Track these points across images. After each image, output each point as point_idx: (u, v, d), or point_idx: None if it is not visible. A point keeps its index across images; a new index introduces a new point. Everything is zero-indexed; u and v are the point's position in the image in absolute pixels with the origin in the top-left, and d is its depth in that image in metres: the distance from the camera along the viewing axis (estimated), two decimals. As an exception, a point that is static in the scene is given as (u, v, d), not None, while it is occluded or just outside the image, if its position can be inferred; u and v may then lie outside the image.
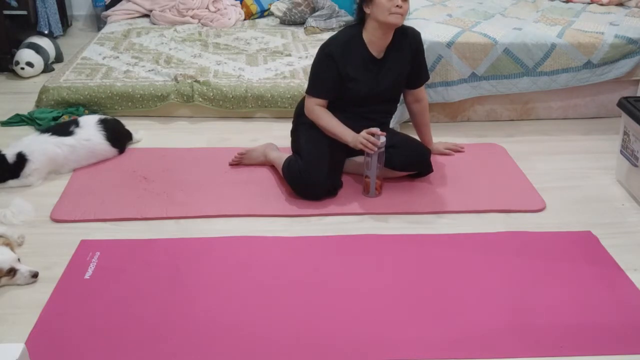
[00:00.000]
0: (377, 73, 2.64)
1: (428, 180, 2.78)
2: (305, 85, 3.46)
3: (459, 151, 3.08)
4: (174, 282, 2.14)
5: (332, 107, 2.65)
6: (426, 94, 2.90)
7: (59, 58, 4.28)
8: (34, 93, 3.54)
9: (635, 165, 2.66)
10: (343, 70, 2.58)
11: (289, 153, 2.77)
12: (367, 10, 2.54)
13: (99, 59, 3.88)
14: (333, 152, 2.65)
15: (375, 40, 2.59)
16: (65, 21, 5.02)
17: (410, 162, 2.72)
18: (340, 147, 2.63)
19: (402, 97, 2.86)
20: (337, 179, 2.71)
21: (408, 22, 3.55)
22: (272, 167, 2.86)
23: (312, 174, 2.58)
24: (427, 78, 2.85)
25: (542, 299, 2.07)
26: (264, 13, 4.95)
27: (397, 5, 2.46)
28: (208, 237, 2.39)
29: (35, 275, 2.11)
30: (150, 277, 2.15)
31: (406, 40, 2.67)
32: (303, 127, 2.72)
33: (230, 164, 2.88)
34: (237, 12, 4.84)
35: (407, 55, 2.69)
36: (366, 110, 2.69)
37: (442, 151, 3.03)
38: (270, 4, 4.90)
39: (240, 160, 2.87)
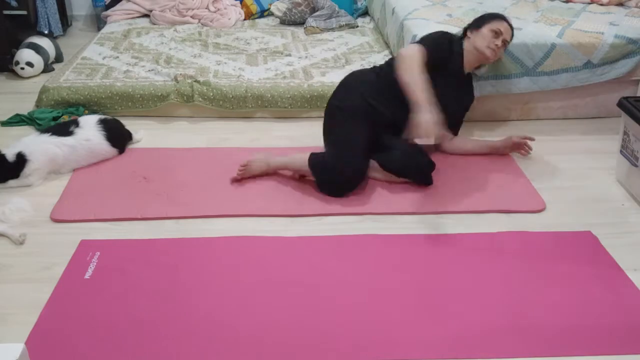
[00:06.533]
0: (457, 89, 2.88)
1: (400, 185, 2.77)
2: (306, 85, 3.48)
3: (527, 144, 3.00)
4: (174, 282, 2.14)
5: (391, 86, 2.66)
6: None
7: (59, 58, 4.27)
8: (34, 93, 3.54)
9: (635, 165, 2.66)
10: (440, 61, 2.73)
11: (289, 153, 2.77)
12: (469, 34, 2.86)
13: (99, 59, 3.88)
14: (367, 144, 2.69)
15: (465, 62, 2.86)
16: (65, 21, 5.01)
17: (409, 170, 2.72)
18: (371, 139, 2.69)
19: None
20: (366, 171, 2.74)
21: (408, 22, 3.57)
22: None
23: (353, 163, 2.62)
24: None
25: (542, 299, 2.07)
26: (264, 13, 4.94)
27: (496, 44, 2.79)
28: (208, 237, 2.39)
29: None
30: (150, 277, 2.15)
31: (470, 80, 3.01)
32: (338, 119, 2.76)
33: (236, 180, 2.77)
34: (237, 12, 4.84)
35: (468, 99, 3.01)
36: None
37: (515, 143, 2.98)
38: (270, 4, 4.89)
39: (244, 174, 2.76)
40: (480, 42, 2.80)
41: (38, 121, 3.25)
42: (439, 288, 2.13)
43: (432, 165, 2.73)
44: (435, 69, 2.66)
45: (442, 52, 2.76)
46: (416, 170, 2.71)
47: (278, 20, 4.81)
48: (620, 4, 3.92)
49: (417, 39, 2.97)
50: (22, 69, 3.96)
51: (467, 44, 2.86)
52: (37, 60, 4.00)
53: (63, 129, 2.86)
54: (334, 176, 2.61)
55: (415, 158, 2.68)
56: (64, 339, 1.88)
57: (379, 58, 3.92)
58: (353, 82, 2.86)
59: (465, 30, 2.90)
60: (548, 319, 1.98)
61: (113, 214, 2.52)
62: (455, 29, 3.34)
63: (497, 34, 2.80)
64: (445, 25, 3.43)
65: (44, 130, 2.88)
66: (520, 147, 2.99)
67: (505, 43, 2.86)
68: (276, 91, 3.45)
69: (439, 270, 2.22)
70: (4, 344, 1.36)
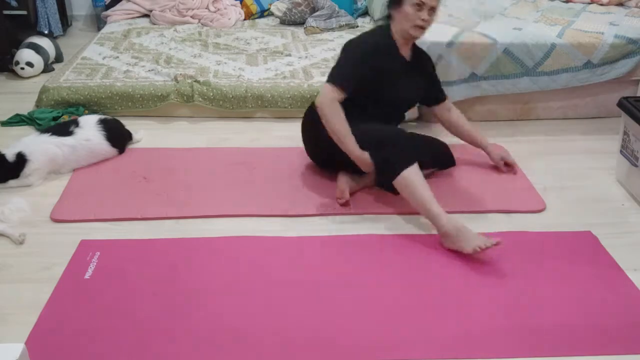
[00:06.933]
0: (411, 76, 2.67)
1: (428, 181, 2.78)
2: (306, 85, 3.48)
3: (511, 170, 2.88)
4: (174, 282, 2.14)
5: (351, 106, 2.50)
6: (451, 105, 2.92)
7: (59, 58, 4.27)
8: (34, 93, 3.53)
9: (635, 165, 2.66)
10: (377, 69, 2.52)
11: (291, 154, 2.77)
12: (392, 13, 2.56)
13: (99, 59, 3.88)
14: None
15: (400, 45, 2.61)
16: (65, 21, 5.01)
17: (437, 158, 2.78)
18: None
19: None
20: None
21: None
22: (274, 168, 2.86)
23: (394, 129, 2.58)
24: (444, 96, 2.90)
25: (542, 299, 2.07)
26: (264, 13, 4.94)
27: (423, 19, 2.47)
28: (208, 237, 2.39)
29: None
30: (150, 277, 2.15)
31: (424, 57, 2.78)
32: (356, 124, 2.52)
33: (342, 205, 2.60)
34: (237, 12, 4.84)
35: (427, 69, 2.79)
36: (388, 113, 2.67)
37: (496, 161, 2.87)
38: (270, 4, 4.89)
39: (347, 201, 2.59)
40: (405, 23, 2.50)
41: (38, 121, 3.25)
42: (439, 288, 2.13)
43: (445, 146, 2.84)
44: (373, 77, 2.52)
45: (360, 77, 2.50)
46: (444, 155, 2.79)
47: (278, 20, 4.81)
48: (620, 4, 3.93)
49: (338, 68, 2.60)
50: (22, 69, 3.95)
51: (394, 27, 2.57)
52: (37, 60, 4.00)
53: (63, 129, 2.86)
54: (392, 148, 2.42)
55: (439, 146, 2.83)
56: (64, 339, 1.88)
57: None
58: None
59: (389, 11, 2.60)
60: (548, 319, 1.98)
61: (113, 214, 2.52)
62: (455, 29, 3.35)
63: (419, 6, 2.46)
64: (445, 25, 3.43)
65: (44, 130, 2.88)
66: (506, 166, 2.88)
67: (433, 9, 2.50)
68: (276, 91, 3.45)
69: (439, 270, 2.22)
70: (4, 344, 1.36)
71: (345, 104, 2.48)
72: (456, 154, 3.02)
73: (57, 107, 3.39)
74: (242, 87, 3.46)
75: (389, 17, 2.60)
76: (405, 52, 2.64)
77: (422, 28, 2.51)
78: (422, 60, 2.76)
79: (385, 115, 2.65)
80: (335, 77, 2.50)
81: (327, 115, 2.47)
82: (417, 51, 2.73)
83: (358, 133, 2.47)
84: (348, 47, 2.59)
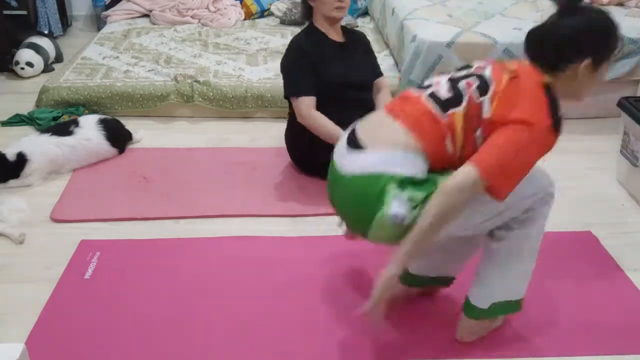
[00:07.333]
0: (350, 56, 2.66)
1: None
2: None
3: None
4: (174, 282, 2.14)
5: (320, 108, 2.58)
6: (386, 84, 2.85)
7: (59, 58, 4.27)
8: (34, 93, 3.54)
9: (635, 165, 2.66)
10: (317, 61, 2.57)
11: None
12: (311, 3, 2.61)
13: (99, 59, 3.88)
14: None
15: (327, 31, 2.64)
16: (65, 21, 5.01)
17: None
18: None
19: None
20: None
21: (408, 22, 3.57)
22: (274, 168, 2.86)
23: None
24: (381, 72, 2.85)
25: (541, 299, 2.07)
26: (264, 13, 4.94)
27: (339, 0, 2.53)
28: (208, 237, 2.39)
29: None
30: (150, 277, 2.15)
31: (356, 36, 2.78)
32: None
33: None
34: (237, 12, 4.84)
35: (364, 46, 2.79)
36: (347, 100, 2.61)
37: None
38: (270, 4, 4.89)
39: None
40: (324, 8, 2.56)
41: (38, 121, 3.25)
42: (439, 287, 2.13)
43: None
44: (317, 70, 2.56)
45: (311, 75, 2.56)
46: None
47: (278, 20, 4.81)
48: (620, 4, 3.92)
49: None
50: (22, 69, 3.96)
51: (317, 17, 2.63)
52: (37, 60, 4.00)
53: (63, 129, 2.86)
54: None
55: None
56: (64, 339, 1.88)
57: (379, 58, 3.91)
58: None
59: (306, 1, 2.62)
60: (548, 319, 1.98)
61: (113, 214, 2.52)
62: (455, 29, 3.35)
63: None
64: (445, 25, 3.44)
65: (44, 130, 2.88)
66: None
67: None
68: (276, 91, 3.45)
69: (439, 270, 2.22)
70: (4, 344, 1.36)
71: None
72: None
73: (57, 107, 3.39)
74: (242, 87, 3.46)
75: (308, 12, 2.66)
76: (335, 36, 2.67)
77: (343, 8, 2.57)
78: (356, 39, 2.77)
79: (354, 103, 2.58)
80: (294, 89, 2.59)
81: (314, 125, 2.55)
82: (348, 32, 2.76)
83: None
84: (283, 62, 2.67)
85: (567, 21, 1.61)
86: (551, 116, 1.56)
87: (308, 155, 2.73)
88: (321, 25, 2.64)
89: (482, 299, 1.80)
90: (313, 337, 1.90)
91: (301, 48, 2.60)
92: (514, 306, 1.83)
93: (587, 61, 1.58)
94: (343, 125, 2.49)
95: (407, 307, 2.02)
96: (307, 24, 2.70)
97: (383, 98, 2.73)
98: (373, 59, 2.84)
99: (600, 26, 1.61)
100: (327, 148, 2.49)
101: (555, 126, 1.58)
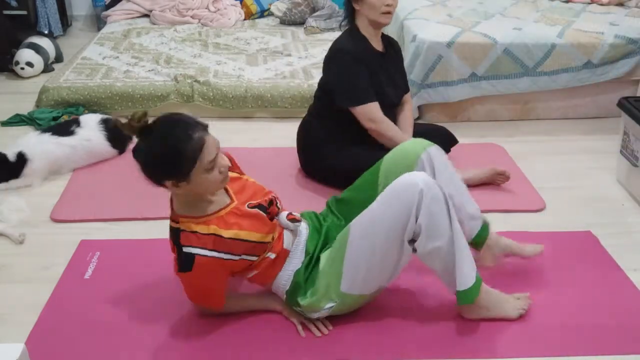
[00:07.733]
0: (389, 68, 2.61)
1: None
2: (306, 85, 3.48)
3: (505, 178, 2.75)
4: (174, 282, 2.13)
5: (343, 121, 2.54)
6: (410, 98, 2.82)
7: (59, 58, 4.28)
8: (34, 93, 3.54)
9: (635, 165, 2.66)
10: (368, 68, 2.50)
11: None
12: (356, 7, 2.51)
13: (99, 59, 3.88)
14: None
15: (371, 39, 2.57)
16: (65, 21, 5.02)
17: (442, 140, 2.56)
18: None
19: None
20: None
21: (408, 22, 3.57)
22: (274, 168, 2.85)
23: None
24: (409, 88, 2.80)
25: (541, 299, 2.07)
26: (264, 13, 4.95)
27: (388, 4, 2.44)
28: (208, 237, 2.38)
29: None
30: (150, 277, 2.15)
31: (395, 47, 2.72)
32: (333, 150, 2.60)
33: None
34: (237, 12, 4.84)
35: (400, 56, 2.74)
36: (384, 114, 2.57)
37: (498, 174, 2.73)
38: (270, 4, 4.90)
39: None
40: (372, 13, 2.46)
41: (38, 121, 3.25)
42: (439, 287, 2.13)
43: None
44: (372, 67, 2.52)
45: (369, 82, 2.50)
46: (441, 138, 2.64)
47: (278, 20, 4.82)
48: (620, 4, 3.93)
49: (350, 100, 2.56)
50: (22, 69, 3.96)
51: (360, 22, 2.53)
52: (37, 60, 4.01)
53: (64, 129, 2.86)
54: None
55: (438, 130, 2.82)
56: (64, 339, 1.88)
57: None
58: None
59: (349, 4, 2.53)
60: (548, 319, 1.98)
61: (113, 214, 2.52)
62: (455, 29, 3.35)
63: None
64: (445, 25, 3.44)
65: (44, 130, 2.88)
66: (500, 175, 2.75)
67: None
68: (276, 91, 3.45)
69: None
70: (4, 344, 1.36)
71: (336, 121, 2.56)
72: (455, 154, 3.02)
73: (57, 107, 3.39)
74: (242, 87, 3.46)
75: (352, 16, 2.56)
76: (377, 44, 2.60)
77: (390, 13, 2.48)
78: (395, 50, 2.72)
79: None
80: (361, 96, 2.50)
81: (386, 129, 2.51)
82: (387, 40, 2.68)
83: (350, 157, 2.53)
84: (335, 69, 2.55)
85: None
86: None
87: (331, 162, 2.62)
88: (365, 30, 2.53)
89: (452, 290, 1.89)
90: (313, 336, 1.90)
91: (354, 53, 2.50)
92: (468, 296, 1.87)
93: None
94: (370, 142, 2.53)
95: (404, 307, 2.02)
96: (352, 30, 2.56)
97: (406, 115, 2.72)
98: (404, 73, 2.78)
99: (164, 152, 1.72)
100: (353, 157, 2.53)
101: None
